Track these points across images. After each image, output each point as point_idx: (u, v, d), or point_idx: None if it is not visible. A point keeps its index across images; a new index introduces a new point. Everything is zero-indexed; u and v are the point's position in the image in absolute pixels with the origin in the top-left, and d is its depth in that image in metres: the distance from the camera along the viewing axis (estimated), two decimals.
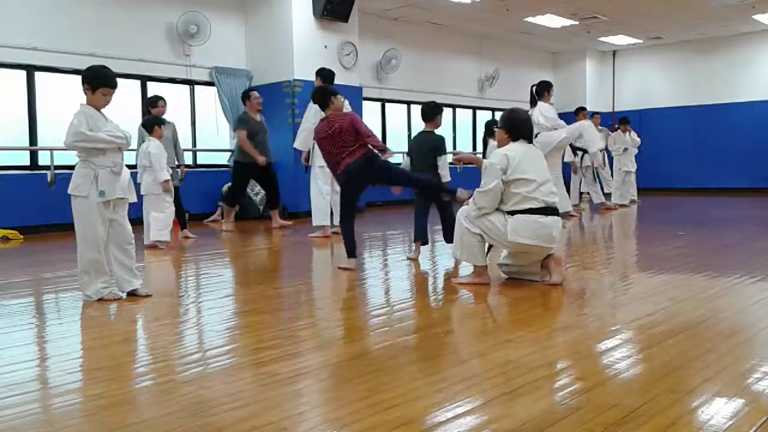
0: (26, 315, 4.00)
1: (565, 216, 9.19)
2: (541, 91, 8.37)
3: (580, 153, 11.08)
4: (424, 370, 2.66)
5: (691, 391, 2.30)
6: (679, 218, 9.77)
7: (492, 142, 7.14)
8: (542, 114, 8.34)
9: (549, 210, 4.23)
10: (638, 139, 12.22)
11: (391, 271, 5.30)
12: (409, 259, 5.72)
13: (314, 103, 5.60)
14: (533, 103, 8.51)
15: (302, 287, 4.69)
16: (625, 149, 11.87)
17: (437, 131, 5.88)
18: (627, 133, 11.98)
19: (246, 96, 8.48)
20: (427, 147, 5.66)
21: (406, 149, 12.69)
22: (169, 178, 6.89)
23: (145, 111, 8.05)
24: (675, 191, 15.46)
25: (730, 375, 2.47)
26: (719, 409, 2.12)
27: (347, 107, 6.19)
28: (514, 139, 4.38)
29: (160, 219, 6.80)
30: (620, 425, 1.99)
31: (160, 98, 7.72)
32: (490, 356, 2.79)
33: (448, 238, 5.58)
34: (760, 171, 14.75)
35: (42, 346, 3.28)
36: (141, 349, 3.17)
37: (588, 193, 11.61)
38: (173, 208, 7.06)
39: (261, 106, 8.45)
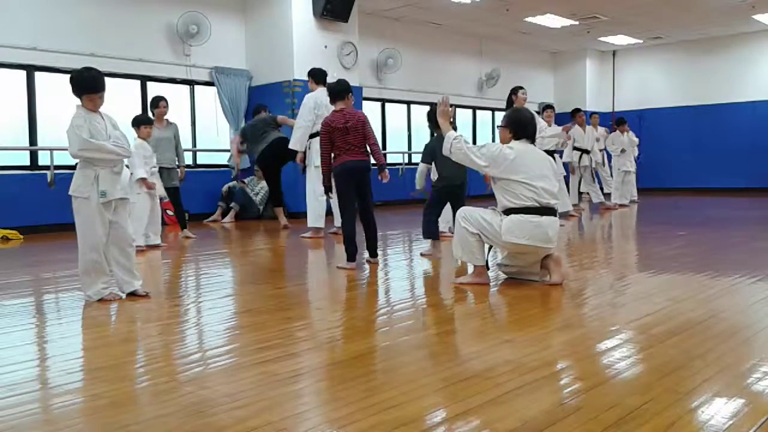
0: (26, 315, 4.00)
1: (565, 216, 9.20)
2: (509, 97, 8.26)
3: (578, 153, 11.06)
4: (424, 370, 2.66)
5: (691, 391, 2.29)
6: (679, 218, 9.77)
7: None
8: None
9: (544, 210, 4.23)
10: (636, 140, 12.16)
11: (390, 271, 5.30)
12: (423, 255, 5.83)
13: (335, 93, 5.45)
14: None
15: (302, 287, 4.69)
16: (623, 150, 11.84)
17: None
18: (625, 133, 11.94)
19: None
20: None
21: (408, 151, 12.65)
22: (146, 176, 6.56)
23: (145, 111, 8.07)
24: (675, 191, 15.46)
25: (730, 375, 2.47)
26: (719, 409, 2.12)
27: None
28: (517, 138, 4.40)
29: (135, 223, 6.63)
30: (620, 425, 1.99)
31: (162, 98, 7.70)
32: (490, 356, 2.79)
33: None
34: (760, 171, 14.74)
35: (42, 346, 3.28)
36: (141, 349, 3.17)
37: (587, 193, 11.61)
38: (146, 212, 6.73)
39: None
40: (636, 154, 12.27)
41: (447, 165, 5.71)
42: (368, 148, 5.37)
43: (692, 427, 1.99)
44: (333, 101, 5.45)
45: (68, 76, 4.12)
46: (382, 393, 2.32)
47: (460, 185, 5.82)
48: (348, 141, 5.26)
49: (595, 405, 2.16)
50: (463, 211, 4.44)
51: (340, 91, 5.40)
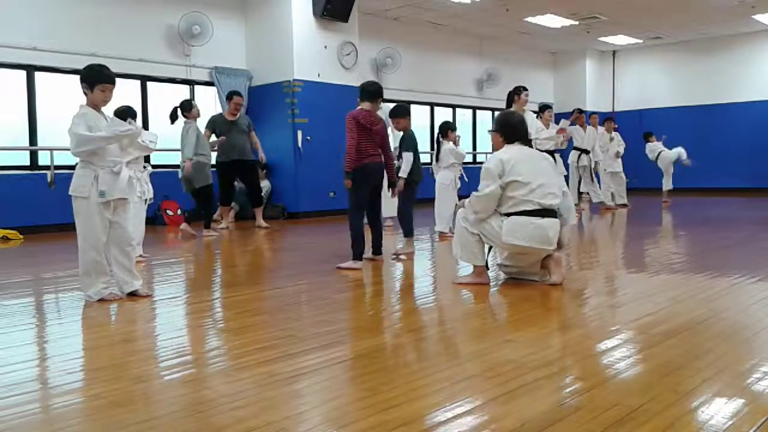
0: (26, 315, 4.00)
1: None
2: (510, 97, 8.22)
3: (577, 153, 11.05)
4: (424, 370, 2.65)
5: (691, 391, 2.29)
6: (679, 218, 9.77)
7: (444, 144, 7.20)
8: None
9: (545, 212, 4.23)
10: (620, 143, 11.88)
11: (390, 271, 5.30)
12: (400, 254, 5.85)
13: (366, 93, 5.43)
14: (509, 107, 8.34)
15: (302, 287, 4.69)
16: (618, 150, 11.70)
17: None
18: (611, 133, 11.75)
19: (228, 97, 8.69)
20: None
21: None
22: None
23: (175, 115, 8.14)
24: (675, 191, 15.44)
25: (730, 375, 2.47)
26: (719, 409, 2.12)
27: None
28: (510, 142, 4.40)
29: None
30: (620, 425, 1.99)
31: (194, 104, 8.00)
32: (490, 356, 2.79)
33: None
34: (760, 171, 14.74)
35: (42, 346, 3.28)
36: (141, 349, 3.17)
37: (588, 193, 11.60)
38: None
39: (237, 111, 8.61)
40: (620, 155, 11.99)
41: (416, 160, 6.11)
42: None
43: (692, 427, 1.99)
44: (363, 100, 5.43)
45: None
46: (382, 393, 2.32)
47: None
48: (370, 143, 5.33)
49: (595, 405, 2.16)
50: (464, 211, 4.44)
51: (373, 92, 5.42)
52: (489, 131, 4.71)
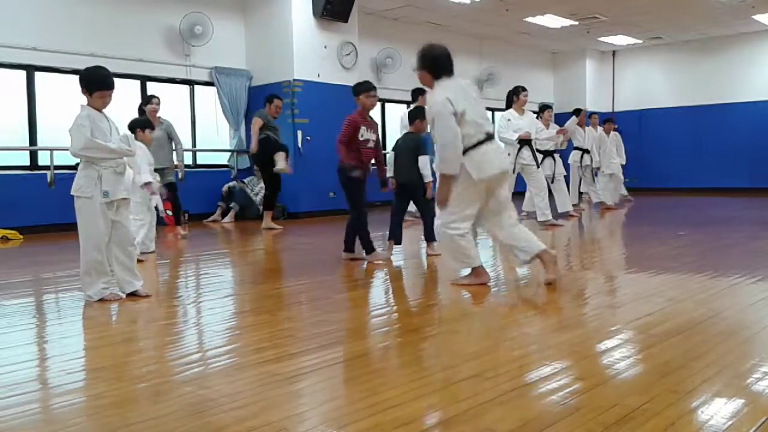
0: (26, 315, 4.00)
1: (565, 216, 9.20)
2: (510, 97, 8.18)
3: (579, 152, 11.05)
4: (424, 370, 2.66)
5: (691, 391, 2.29)
6: (679, 218, 9.77)
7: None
8: (503, 118, 8.14)
9: (490, 137, 4.23)
10: (620, 146, 11.83)
11: (390, 272, 5.30)
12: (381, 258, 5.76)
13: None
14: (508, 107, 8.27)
15: (302, 287, 4.69)
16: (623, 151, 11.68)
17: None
18: (609, 133, 11.74)
19: (269, 100, 8.55)
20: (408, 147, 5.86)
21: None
22: (151, 180, 5.83)
23: (140, 110, 8.10)
24: (675, 191, 15.45)
25: (730, 375, 2.47)
26: (719, 409, 2.12)
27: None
28: (437, 77, 4.18)
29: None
30: (620, 425, 1.99)
31: (153, 96, 7.80)
32: (489, 356, 2.79)
33: (429, 236, 5.78)
34: (760, 171, 14.74)
35: (42, 346, 3.28)
36: (141, 349, 3.17)
37: (587, 193, 11.59)
38: (153, 217, 6.34)
39: (279, 113, 8.59)
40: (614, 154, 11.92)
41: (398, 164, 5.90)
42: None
43: (692, 427, 1.99)
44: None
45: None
46: (382, 393, 2.32)
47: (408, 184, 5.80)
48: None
49: (595, 405, 2.16)
50: (440, 219, 4.35)
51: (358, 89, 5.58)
52: (415, 70, 4.35)
